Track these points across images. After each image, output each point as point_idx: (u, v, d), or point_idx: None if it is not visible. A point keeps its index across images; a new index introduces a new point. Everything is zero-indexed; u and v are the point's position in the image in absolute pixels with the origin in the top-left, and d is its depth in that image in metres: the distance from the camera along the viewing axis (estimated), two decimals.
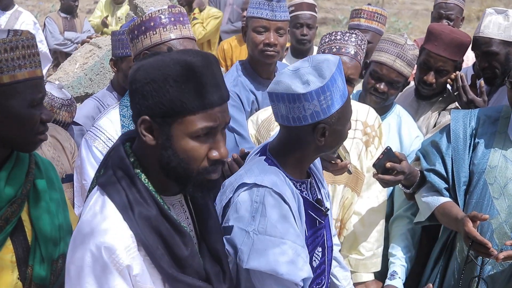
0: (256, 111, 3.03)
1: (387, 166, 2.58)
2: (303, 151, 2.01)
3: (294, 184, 2.02)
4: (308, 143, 1.97)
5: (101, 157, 2.43)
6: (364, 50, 2.81)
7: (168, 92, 1.56)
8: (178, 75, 1.56)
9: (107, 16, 7.67)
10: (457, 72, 3.21)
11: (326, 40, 2.79)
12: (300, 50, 4.65)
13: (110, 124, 2.50)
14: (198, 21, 6.48)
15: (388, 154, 2.58)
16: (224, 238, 1.88)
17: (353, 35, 2.75)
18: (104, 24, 7.59)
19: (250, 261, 1.84)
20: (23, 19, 6.89)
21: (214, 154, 1.63)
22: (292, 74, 1.92)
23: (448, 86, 3.35)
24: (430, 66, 3.19)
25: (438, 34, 3.16)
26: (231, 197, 1.94)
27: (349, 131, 2.06)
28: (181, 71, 1.56)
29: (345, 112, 1.97)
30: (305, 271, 1.89)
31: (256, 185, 1.91)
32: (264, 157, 2.03)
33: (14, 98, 1.76)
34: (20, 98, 1.77)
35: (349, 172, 2.49)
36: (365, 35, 3.87)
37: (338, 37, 2.75)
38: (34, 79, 1.81)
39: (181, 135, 1.59)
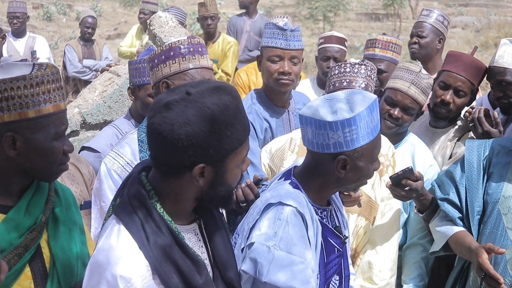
0: (271, 139, 3.07)
1: (403, 182, 2.64)
2: (324, 179, 2.04)
3: (315, 210, 2.05)
4: (329, 172, 2.01)
5: (119, 180, 2.50)
6: (374, 79, 2.81)
7: (227, 136, 1.64)
8: (232, 117, 1.65)
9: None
10: (481, 107, 3.23)
11: (336, 72, 2.79)
12: (325, 82, 4.66)
13: (129, 149, 2.57)
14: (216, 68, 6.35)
15: (408, 172, 2.64)
16: (246, 257, 1.93)
17: (362, 66, 2.74)
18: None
19: (269, 275, 1.89)
20: (39, 44, 7.08)
21: (244, 167, 1.78)
22: (324, 101, 1.98)
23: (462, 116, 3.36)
24: (449, 85, 3.21)
25: (459, 56, 3.26)
26: (257, 218, 1.99)
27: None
28: (232, 113, 1.65)
29: (370, 150, 1.99)
30: None
31: (281, 203, 1.96)
32: (289, 180, 2.07)
33: (39, 132, 1.79)
34: (44, 132, 1.79)
35: (359, 205, 2.52)
36: (380, 65, 3.94)
37: (348, 70, 2.74)
38: (59, 112, 1.83)
39: (233, 167, 1.71)
